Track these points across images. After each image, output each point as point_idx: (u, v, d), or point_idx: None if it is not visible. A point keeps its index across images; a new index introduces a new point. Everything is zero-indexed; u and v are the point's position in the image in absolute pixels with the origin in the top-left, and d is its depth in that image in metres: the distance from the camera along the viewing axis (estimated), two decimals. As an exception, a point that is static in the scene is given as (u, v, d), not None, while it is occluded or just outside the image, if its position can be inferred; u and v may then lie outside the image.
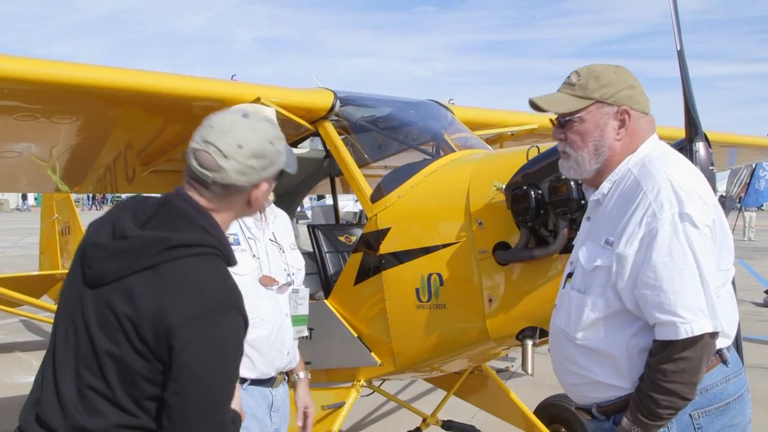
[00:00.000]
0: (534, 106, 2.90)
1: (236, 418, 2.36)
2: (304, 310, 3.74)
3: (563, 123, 2.85)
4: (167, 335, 2.10)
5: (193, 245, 2.20)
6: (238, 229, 3.51)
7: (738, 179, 20.46)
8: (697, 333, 2.50)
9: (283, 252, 3.68)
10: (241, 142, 2.29)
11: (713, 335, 2.56)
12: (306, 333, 3.81)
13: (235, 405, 2.37)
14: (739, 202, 21.80)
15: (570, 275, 2.89)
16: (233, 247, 3.34)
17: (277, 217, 3.78)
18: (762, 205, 28.56)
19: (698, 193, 2.63)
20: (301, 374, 3.76)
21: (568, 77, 2.88)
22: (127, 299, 2.14)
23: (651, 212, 2.58)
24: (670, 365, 2.52)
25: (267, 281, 3.49)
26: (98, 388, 2.15)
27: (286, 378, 3.69)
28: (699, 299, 2.53)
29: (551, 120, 2.95)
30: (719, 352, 2.73)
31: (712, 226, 2.63)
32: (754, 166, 19.40)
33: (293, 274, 3.69)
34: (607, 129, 2.79)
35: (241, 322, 2.23)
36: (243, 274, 3.30)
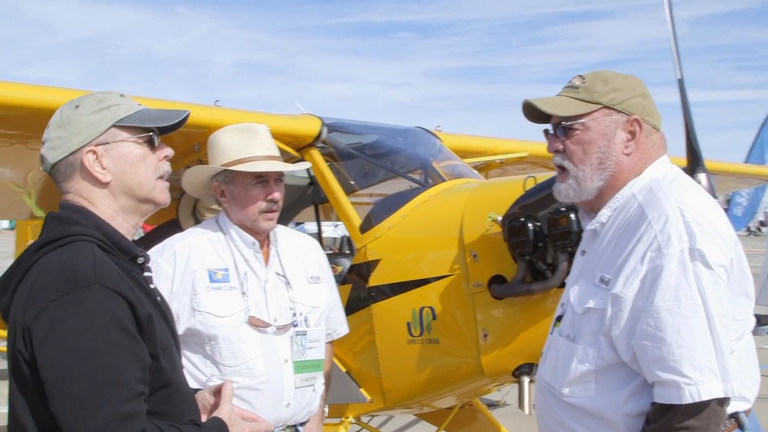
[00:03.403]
0: (529, 109, 2.53)
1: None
2: (314, 354, 3.25)
3: (563, 131, 2.45)
4: (30, 337, 1.92)
5: (53, 241, 2.05)
6: (231, 264, 3.17)
7: (715, 205, 20.68)
8: (704, 398, 2.11)
9: (290, 287, 3.26)
10: (49, 123, 2.19)
11: (723, 401, 2.16)
12: (319, 380, 3.31)
13: (221, 413, 2.20)
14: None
15: (560, 318, 2.52)
16: (220, 284, 3.14)
17: (294, 247, 3.40)
18: (739, 231, 28.80)
19: (714, 227, 2.24)
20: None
21: (570, 81, 2.51)
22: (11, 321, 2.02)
23: (656, 246, 2.20)
24: None
25: (255, 323, 3.10)
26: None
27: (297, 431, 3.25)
28: (708, 356, 2.13)
29: (545, 131, 2.56)
30: (735, 416, 2.35)
31: (729, 267, 2.25)
32: (731, 192, 19.55)
33: (302, 313, 3.25)
34: (614, 140, 2.40)
35: (108, 297, 1.94)
36: (223, 315, 3.05)
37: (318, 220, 6.60)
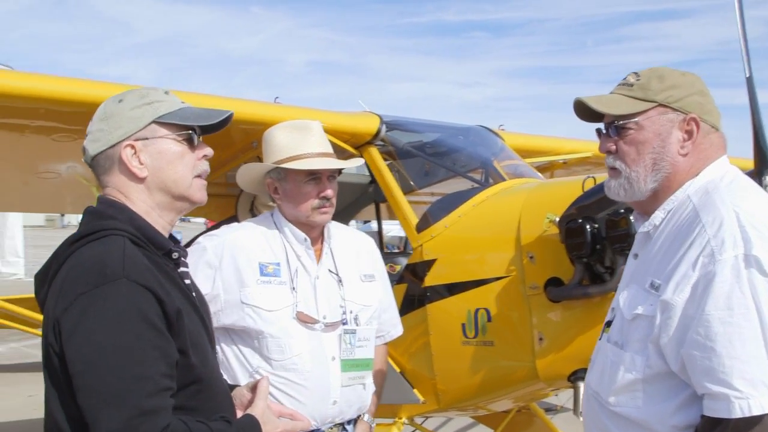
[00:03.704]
0: (581, 107, 2.42)
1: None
2: (363, 353, 3.20)
3: (616, 130, 2.34)
4: (59, 330, 1.93)
5: (87, 234, 2.04)
6: (282, 259, 3.15)
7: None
8: (755, 412, 1.99)
9: (342, 285, 3.23)
10: (93, 115, 2.21)
11: None
12: (367, 380, 3.24)
13: (254, 410, 2.19)
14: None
15: (609, 324, 2.41)
16: (271, 278, 3.14)
17: (348, 245, 3.36)
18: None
19: None
20: (366, 417, 3.33)
21: (625, 78, 2.40)
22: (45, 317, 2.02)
23: (709, 251, 2.08)
24: None
25: (303, 318, 3.08)
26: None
27: (345, 430, 3.22)
28: (761, 368, 2.01)
29: (598, 130, 2.46)
30: None
31: None
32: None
33: (353, 311, 3.21)
34: (669, 139, 2.28)
35: (136, 291, 1.93)
36: (272, 310, 3.04)
37: (378, 219, 6.58)
